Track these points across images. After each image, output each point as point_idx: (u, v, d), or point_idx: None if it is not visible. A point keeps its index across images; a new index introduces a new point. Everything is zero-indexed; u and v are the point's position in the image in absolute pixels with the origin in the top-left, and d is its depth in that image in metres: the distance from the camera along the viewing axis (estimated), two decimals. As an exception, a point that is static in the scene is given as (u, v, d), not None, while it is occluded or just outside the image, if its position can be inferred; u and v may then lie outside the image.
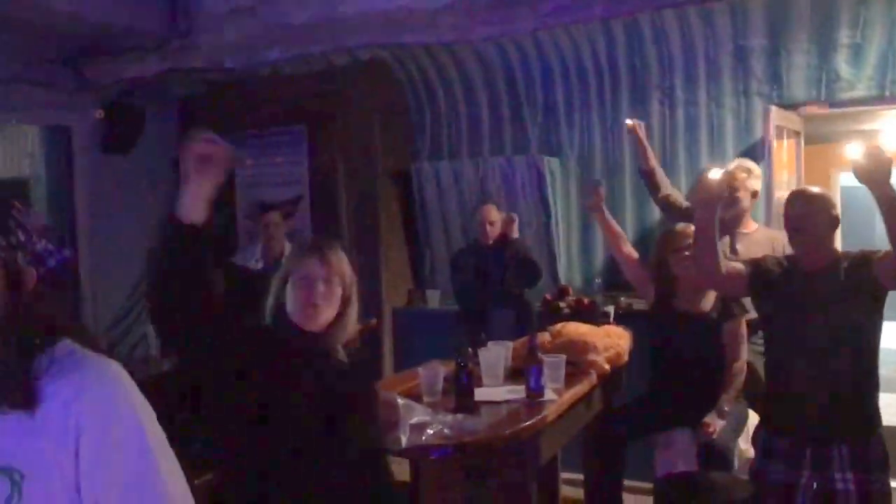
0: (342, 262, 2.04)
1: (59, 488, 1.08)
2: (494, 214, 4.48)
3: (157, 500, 1.13)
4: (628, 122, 4.19)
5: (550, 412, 2.80)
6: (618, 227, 3.74)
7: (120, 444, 1.12)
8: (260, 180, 5.89)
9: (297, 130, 5.72)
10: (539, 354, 2.97)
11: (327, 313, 1.99)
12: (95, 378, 1.15)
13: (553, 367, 3.02)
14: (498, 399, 2.93)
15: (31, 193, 5.61)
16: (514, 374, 3.15)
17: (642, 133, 4.12)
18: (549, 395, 2.93)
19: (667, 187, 4.17)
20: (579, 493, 3.83)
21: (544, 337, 3.38)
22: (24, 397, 1.09)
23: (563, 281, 4.99)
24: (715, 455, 3.28)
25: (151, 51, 4.84)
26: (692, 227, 3.06)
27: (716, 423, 3.27)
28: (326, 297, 1.98)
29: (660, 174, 4.17)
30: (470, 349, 3.01)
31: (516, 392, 2.96)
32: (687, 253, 3.26)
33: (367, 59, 5.25)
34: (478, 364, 3.13)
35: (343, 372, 2.04)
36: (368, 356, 2.90)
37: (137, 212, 5.28)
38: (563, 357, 3.10)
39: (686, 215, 3.90)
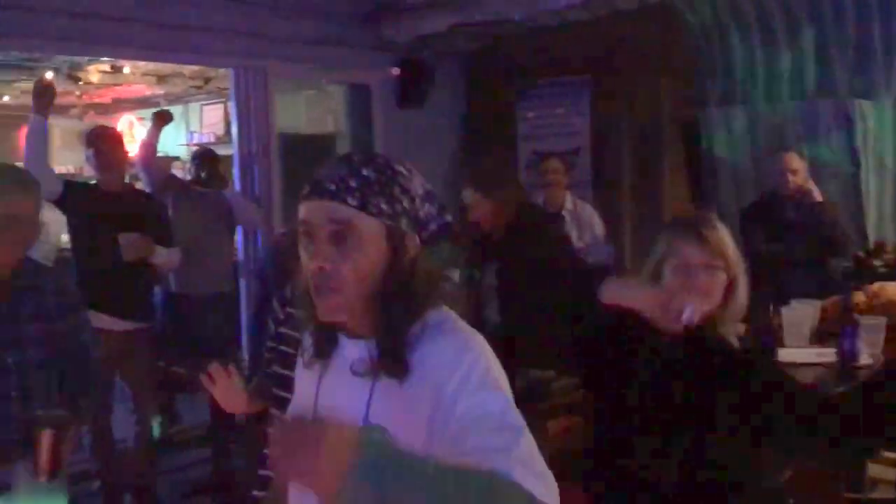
0: (723, 242, 1.79)
1: (416, 435, 1.15)
2: (797, 162, 4.11)
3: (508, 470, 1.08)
4: None
5: (865, 379, 2.55)
6: None
7: (473, 414, 1.14)
8: (539, 132, 5.93)
9: (580, 81, 5.66)
10: (854, 315, 2.71)
11: (705, 307, 1.76)
12: (457, 348, 1.21)
13: (871, 329, 2.75)
14: (804, 361, 2.73)
15: (335, 148, 6.12)
16: (822, 338, 2.92)
17: None
18: (864, 360, 2.68)
19: None
20: (891, 474, 3.47)
21: (859, 297, 3.08)
22: (398, 369, 1.20)
23: (871, 236, 4.50)
24: None
25: (443, 6, 5.01)
26: None
27: None
28: (708, 289, 1.77)
29: None
30: (771, 307, 2.83)
31: (826, 355, 2.74)
32: None
33: (654, 3, 5.05)
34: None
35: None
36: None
37: (428, 163, 5.52)
38: (883, 319, 2.80)
39: None
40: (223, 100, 8.24)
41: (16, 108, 8.66)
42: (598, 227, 4.88)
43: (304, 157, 5.04)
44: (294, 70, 5.19)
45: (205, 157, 4.59)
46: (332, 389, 1.28)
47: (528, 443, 1.15)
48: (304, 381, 1.35)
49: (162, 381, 3.94)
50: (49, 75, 5.67)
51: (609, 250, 4.88)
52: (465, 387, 1.16)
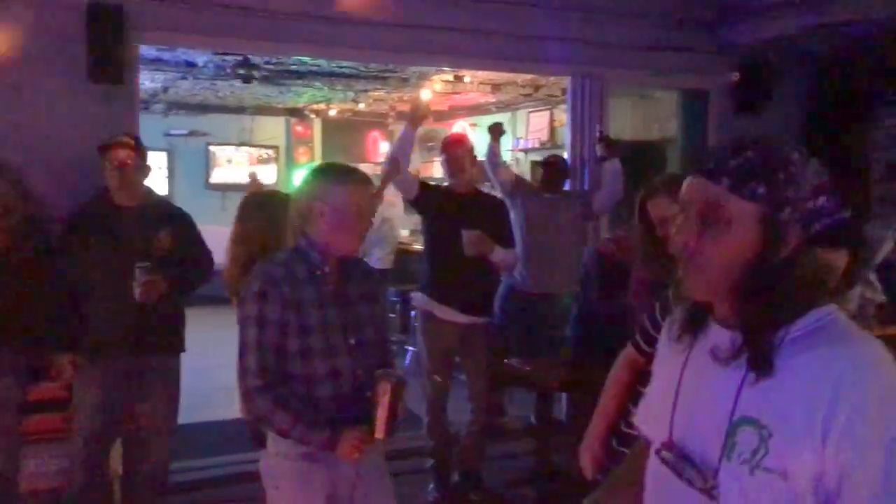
0: None
1: (800, 450, 1.06)
2: None
3: None
4: None
5: None
6: None
7: (866, 437, 1.03)
8: (898, 142, 5.35)
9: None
10: None
11: None
12: (849, 358, 1.08)
13: None
14: None
15: (666, 155, 6.02)
16: None
17: None
18: None
19: None
20: None
21: None
22: (761, 364, 1.11)
23: None
24: None
25: (796, 6, 4.71)
26: None
27: None
28: None
29: None
30: None
31: None
32: None
33: None
34: None
35: None
36: None
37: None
38: None
39: None
40: (549, 107, 8.49)
41: (367, 115, 9.66)
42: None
43: (632, 163, 5.01)
44: (631, 77, 5.19)
45: (544, 164, 4.89)
46: (698, 376, 1.22)
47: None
48: (668, 366, 1.30)
49: (496, 373, 4.15)
50: (426, 96, 6.27)
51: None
52: (849, 424, 1.04)
